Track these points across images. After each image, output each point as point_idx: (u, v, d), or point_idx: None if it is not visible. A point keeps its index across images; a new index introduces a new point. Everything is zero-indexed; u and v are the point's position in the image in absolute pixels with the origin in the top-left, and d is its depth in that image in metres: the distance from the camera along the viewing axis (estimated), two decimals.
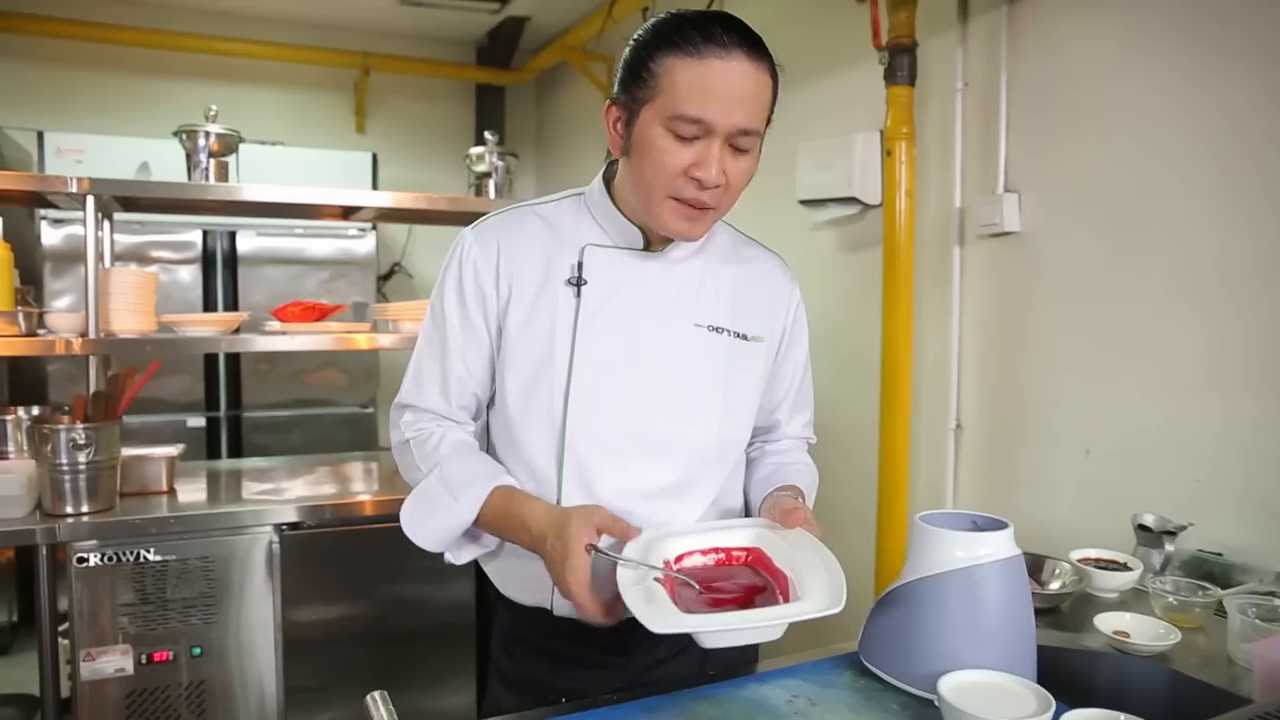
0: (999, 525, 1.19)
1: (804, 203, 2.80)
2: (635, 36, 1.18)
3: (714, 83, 1.10)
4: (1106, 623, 1.30)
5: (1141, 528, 1.68)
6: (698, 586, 1.10)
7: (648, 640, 1.20)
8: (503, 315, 1.24)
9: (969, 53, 2.35)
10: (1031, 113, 2.19)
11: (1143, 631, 1.28)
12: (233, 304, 3.88)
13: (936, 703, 1.06)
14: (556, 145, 5.12)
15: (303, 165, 4.00)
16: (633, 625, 1.01)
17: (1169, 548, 1.66)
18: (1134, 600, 1.50)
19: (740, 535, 1.20)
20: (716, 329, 1.27)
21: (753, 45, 1.13)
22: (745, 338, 1.30)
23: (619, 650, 1.26)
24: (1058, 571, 1.52)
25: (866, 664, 1.24)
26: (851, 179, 2.58)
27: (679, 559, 1.16)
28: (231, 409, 3.92)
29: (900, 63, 2.28)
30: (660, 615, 0.99)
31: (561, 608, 1.24)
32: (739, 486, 1.37)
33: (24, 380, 3.65)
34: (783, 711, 1.14)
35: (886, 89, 2.33)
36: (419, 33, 4.78)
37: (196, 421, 3.83)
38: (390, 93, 4.83)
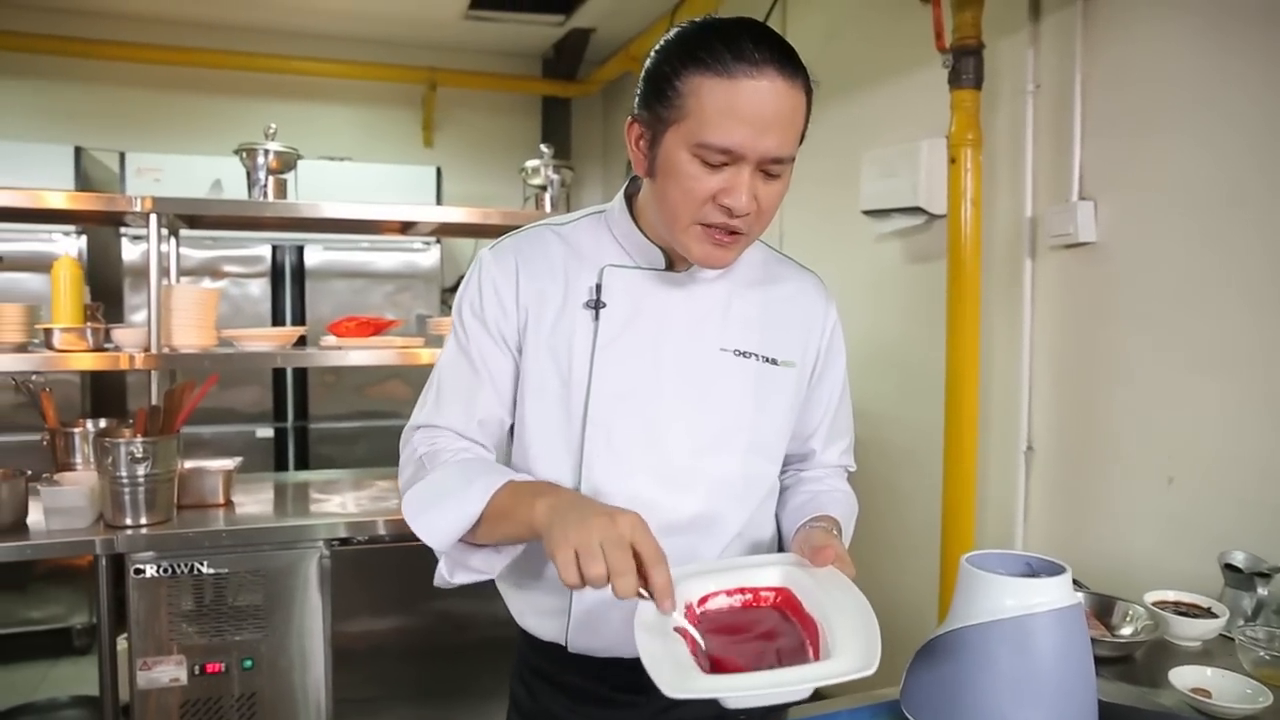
0: (1056, 569, 1.09)
1: (868, 213, 2.70)
2: (658, 47, 1.09)
3: (744, 107, 1.01)
4: (1184, 678, 1.17)
5: (1230, 567, 1.53)
6: (707, 644, 0.99)
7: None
8: (521, 337, 1.18)
9: (1041, 53, 2.22)
10: (1108, 115, 2.05)
11: (1227, 690, 1.15)
12: (300, 316, 3.95)
13: None
14: (623, 157, 5.09)
15: (368, 180, 4.06)
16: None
17: (1261, 591, 1.50)
18: (1218, 652, 1.36)
19: (769, 574, 1.11)
20: (744, 353, 1.20)
21: (786, 60, 1.03)
22: (775, 362, 1.21)
23: (637, 689, 1.17)
24: (1130, 615, 1.39)
25: (908, 715, 1.15)
26: (917, 188, 2.47)
27: (703, 600, 1.07)
28: (298, 420, 3.99)
29: (965, 65, 2.16)
30: (677, 677, 0.89)
31: (576, 644, 1.18)
32: (768, 518, 1.28)
33: (106, 390, 3.79)
34: None
35: (951, 93, 2.22)
36: (484, 47, 4.82)
37: (265, 432, 3.91)
38: (457, 107, 4.87)
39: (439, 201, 4.14)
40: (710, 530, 1.18)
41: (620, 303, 1.17)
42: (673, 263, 1.19)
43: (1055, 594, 1.05)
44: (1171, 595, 1.45)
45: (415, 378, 4.04)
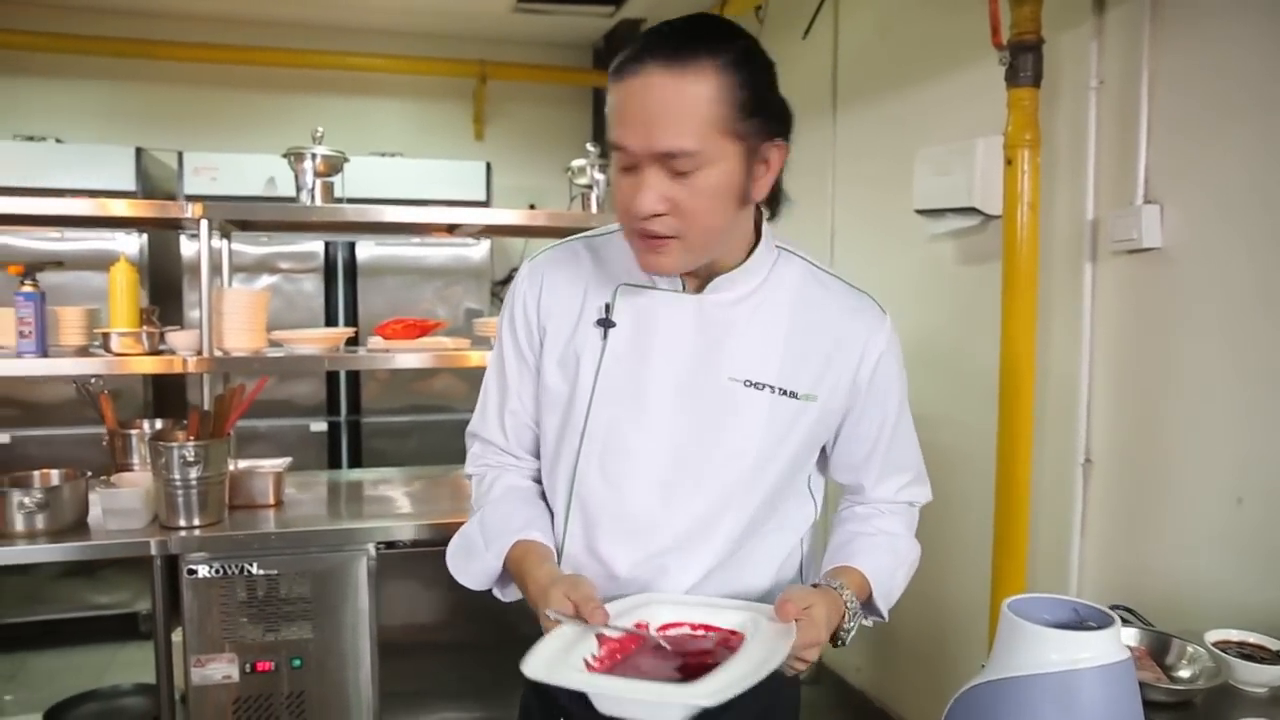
0: (1105, 619, 1.04)
1: (921, 212, 2.61)
2: None
3: (625, 105, 1.02)
4: None
5: None
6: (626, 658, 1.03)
7: None
8: (540, 351, 1.21)
9: (1105, 47, 2.11)
10: (1177, 114, 1.94)
11: None
12: (352, 311, 4.00)
13: None
14: None
15: (417, 176, 4.08)
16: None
17: None
18: None
19: (733, 617, 1.08)
20: (756, 384, 1.13)
21: (675, 53, 1.00)
22: (795, 395, 1.14)
23: None
24: (1190, 656, 1.32)
25: None
26: (972, 188, 2.38)
27: (665, 626, 1.07)
28: (351, 415, 4.05)
29: (1023, 62, 2.07)
30: (544, 663, 0.95)
31: None
32: (780, 547, 1.22)
33: (167, 385, 3.89)
34: None
35: (1008, 91, 2.12)
36: (534, 38, 4.79)
37: (319, 426, 3.97)
38: (507, 100, 4.86)
39: (488, 196, 4.14)
40: (693, 554, 1.15)
41: (628, 323, 1.16)
42: (687, 283, 1.16)
43: (1103, 648, 0.99)
44: (1236, 635, 1.37)
45: (466, 374, 4.08)
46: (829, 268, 1.25)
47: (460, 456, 4.04)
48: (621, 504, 1.15)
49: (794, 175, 3.63)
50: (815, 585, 1.15)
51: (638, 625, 1.06)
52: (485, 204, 4.13)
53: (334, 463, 4.03)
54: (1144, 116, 1.99)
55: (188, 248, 3.80)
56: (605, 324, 1.16)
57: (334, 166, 2.60)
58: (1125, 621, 1.51)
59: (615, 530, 1.16)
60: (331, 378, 4.00)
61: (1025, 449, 2.24)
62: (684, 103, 1.00)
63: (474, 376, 4.14)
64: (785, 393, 1.14)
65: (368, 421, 4.05)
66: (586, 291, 1.19)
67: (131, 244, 3.69)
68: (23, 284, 2.31)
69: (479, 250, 4.12)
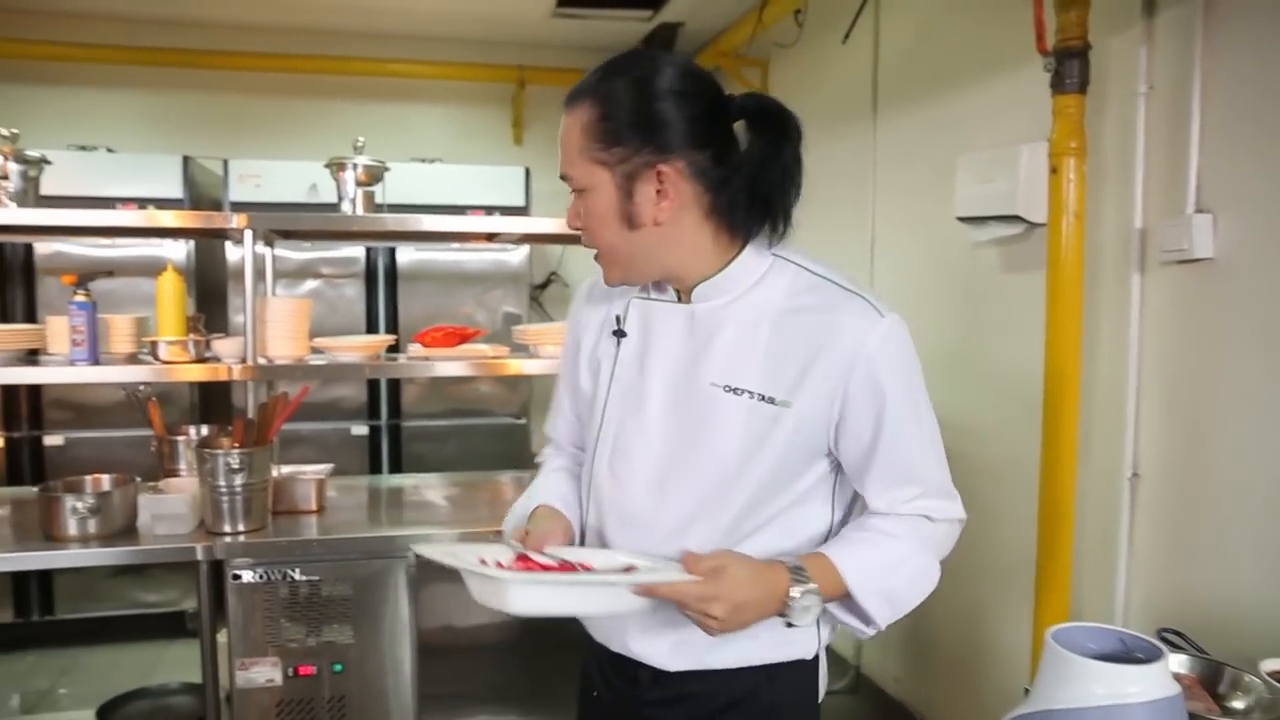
0: (1153, 652, 1.01)
1: (963, 219, 2.58)
2: None
3: (561, 137, 1.20)
4: None
5: None
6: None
7: (631, 672, 1.29)
8: (577, 362, 1.35)
9: (1155, 51, 2.06)
10: (1230, 120, 1.89)
11: None
12: (393, 316, 4.05)
13: None
14: None
15: (456, 182, 4.11)
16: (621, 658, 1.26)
17: None
18: None
19: (653, 566, 1.17)
20: (736, 390, 1.17)
21: (573, 91, 1.18)
22: (773, 401, 1.16)
23: (632, 680, 1.30)
24: (1244, 686, 1.29)
25: None
26: (1015, 195, 2.34)
27: (586, 567, 1.19)
28: (392, 418, 4.10)
29: (1069, 68, 2.02)
30: (438, 547, 1.21)
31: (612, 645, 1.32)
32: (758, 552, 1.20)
33: (213, 391, 3.97)
34: None
35: (1053, 98, 2.08)
36: (573, 43, 4.81)
37: (360, 430, 4.03)
38: (546, 104, 4.88)
39: (527, 201, 4.16)
40: (686, 539, 1.20)
41: (635, 333, 1.26)
42: (680, 293, 1.25)
43: (1152, 683, 0.97)
44: None
45: (504, 379, 4.10)
46: (830, 271, 1.23)
47: (497, 458, 4.18)
48: (622, 499, 1.25)
49: (833, 181, 3.67)
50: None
51: (563, 563, 1.17)
52: (524, 209, 4.15)
53: (374, 466, 4.08)
54: (1195, 122, 1.93)
55: (233, 253, 3.87)
56: (619, 334, 1.28)
57: (375, 176, 2.63)
58: (1174, 647, 1.47)
59: (618, 523, 1.26)
60: (373, 382, 4.05)
61: (1069, 461, 2.19)
62: (569, 134, 1.17)
63: (512, 382, 4.20)
64: (764, 398, 1.16)
65: (408, 425, 4.09)
66: (610, 305, 1.30)
67: (179, 250, 3.77)
68: (76, 293, 2.36)
69: (518, 255, 4.14)
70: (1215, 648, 1.60)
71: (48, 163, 2.50)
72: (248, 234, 2.39)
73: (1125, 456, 2.15)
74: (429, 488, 2.84)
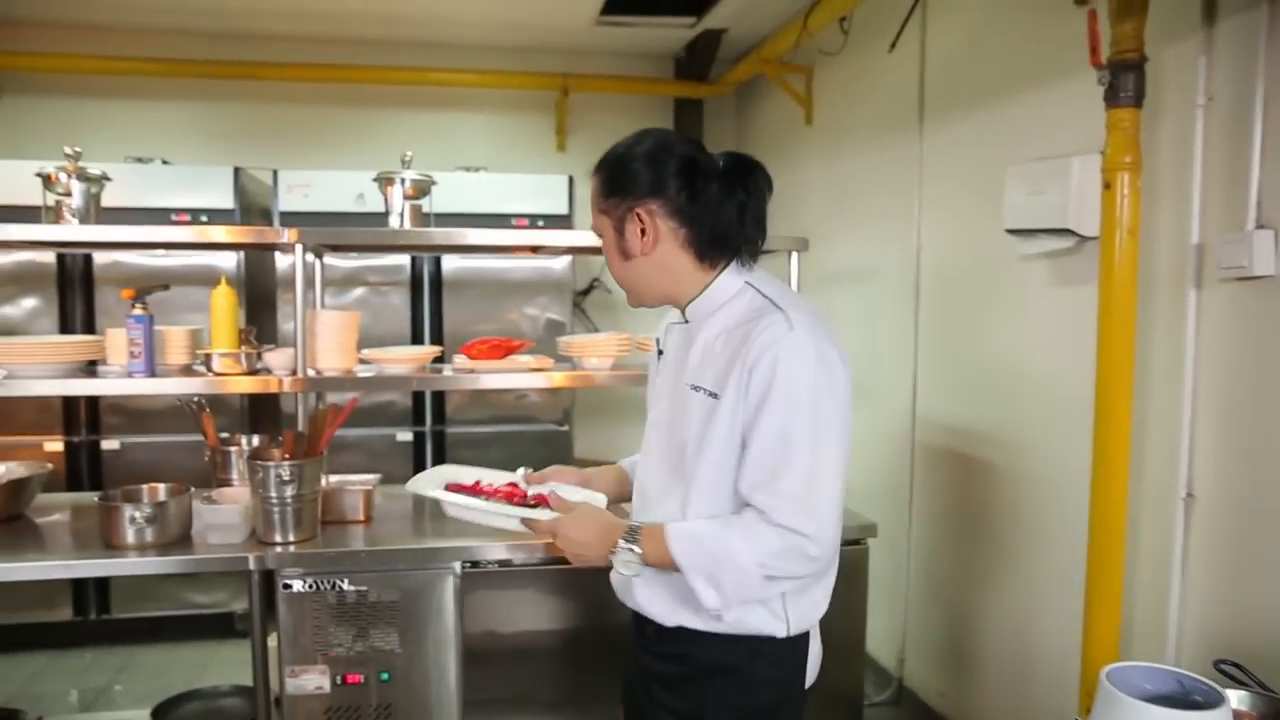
0: (1211, 696, 0.99)
1: (1012, 232, 2.54)
2: None
3: None
4: None
5: None
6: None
7: (637, 629, 1.64)
8: None
9: (1214, 62, 2.01)
10: None
11: None
12: (438, 323, 4.09)
13: None
14: (756, 156, 4.99)
15: (500, 191, 4.14)
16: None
17: None
18: None
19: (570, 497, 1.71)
20: (697, 388, 1.48)
21: (594, 169, 1.56)
22: (714, 395, 1.45)
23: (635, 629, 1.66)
24: None
25: None
26: (1067, 208, 2.30)
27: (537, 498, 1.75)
28: (436, 424, 4.15)
29: (1124, 81, 1.98)
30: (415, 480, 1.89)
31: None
32: (704, 512, 1.49)
33: (263, 399, 4.05)
34: None
35: (1107, 112, 2.03)
36: (616, 50, 4.82)
37: (404, 436, 4.08)
38: (589, 110, 4.90)
39: (571, 209, 4.18)
40: (664, 509, 1.54)
41: (666, 350, 1.63)
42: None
43: None
44: None
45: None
46: (780, 295, 1.49)
47: (541, 464, 4.29)
48: (641, 477, 1.65)
49: (878, 190, 3.66)
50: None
51: (537, 496, 1.75)
52: (568, 217, 4.17)
53: (419, 471, 4.12)
54: (1258, 135, 1.88)
55: (282, 261, 3.95)
56: (659, 352, 1.66)
57: (422, 190, 2.66)
58: (1233, 680, 1.44)
59: (640, 498, 1.65)
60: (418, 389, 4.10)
61: (1121, 480, 2.15)
62: (590, 197, 1.58)
63: (555, 390, 4.22)
64: (709, 393, 1.46)
65: (452, 431, 4.14)
66: (662, 331, 1.68)
67: (230, 259, 3.85)
68: (134, 307, 2.43)
69: (561, 263, 4.16)
70: (1276, 680, 1.56)
71: (108, 179, 2.58)
72: (298, 248, 2.43)
73: (1180, 476, 2.11)
74: None
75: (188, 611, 4.00)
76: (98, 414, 3.87)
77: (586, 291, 4.89)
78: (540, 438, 4.20)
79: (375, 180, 2.63)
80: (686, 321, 1.56)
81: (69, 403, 3.82)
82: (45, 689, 3.58)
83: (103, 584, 3.90)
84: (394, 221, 2.62)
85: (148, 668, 3.78)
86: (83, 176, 2.51)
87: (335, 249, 2.84)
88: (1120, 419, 2.13)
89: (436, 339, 4.08)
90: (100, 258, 3.77)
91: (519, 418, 4.20)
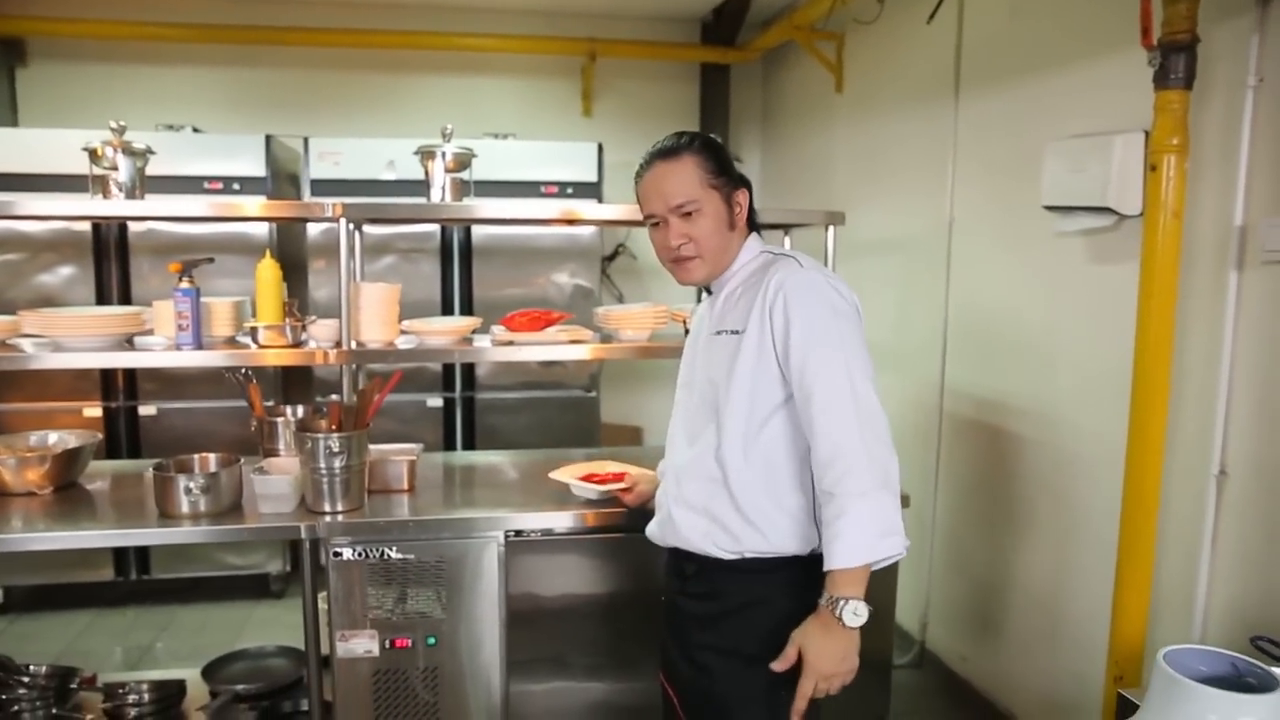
0: (1267, 680, 1.04)
1: (1050, 208, 2.55)
2: None
3: (648, 190, 1.75)
4: None
5: None
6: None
7: (676, 569, 1.84)
8: None
9: (1267, 41, 2.00)
10: None
11: None
12: (468, 291, 4.13)
13: None
14: (782, 124, 4.98)
15: (530, 158, 4.14)
16: (671, 558, 1.86)
17: None
18: None
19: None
20: (721, 331, 1.72)
21: (666, 150, 1.73)
22: (737, 332, 1.68)
23: (671, 572, 1.88)
24: None
25: None
26: (1107, 187, 2.31)
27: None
28: (466, 390, 4.20)
29: (1174, 63, 1.98)
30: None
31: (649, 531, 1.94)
32: (710, 444, 1.71)
33: (296, 369, 4.11)
34: None
35: (1155, 93, 2.04)
36: (643, 13, 4.78)
37: (435, 402, 4.14)
38: (616, 76, 4.88)
39: (600, 177, 4.18)
40: (698, 447, 1.74)
41: (693, 326, 1.91)
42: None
43: (1266, 713, 1.00)
44: None
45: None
46: (790, 251, 1.77)
47: (568, 429, 4.47)
48: (673, 425, 1.87)
49: (910, 165, 3.70)
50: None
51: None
52: (597, 185, 4.17)
53: (449, 437, 4.20)
54: None
55: (313, 229, 3.97)
56: (687, 331, 1.97)
57: (462, 163, 2.68)
58: (1271, 658, 1.49)
59: (671, 448, 1.86)
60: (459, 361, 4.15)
61: (1156, 458, 2.19)
62: (679, 172, 1.70)
63: (587, 359, 4.24)
64: (733, 332, 1.68)
65: (482, 398, 4.20)
66: (696, 318, 1.92)
67: (263, 227, 3.88)
68: (180, 280, 2.47)
69: (590, 230, 4.18)
70: None
71: (153, 153, 2.60)
72: (342, 222, 2.46)
73: (1213, 454, 2.14)
74: (517, 465, 2.93)
75: (225, 573, 4.10)
76: (135, 380, 3.93)
77: (612, 257, 4.91)
78: (568, 404, 4.25)
79: (416, 153, 2.65)
80: (710, 293, 1.81)
81: (107, 370, 3.89)
82: (91, 646, 3.69)
83: (144, 546, 3.99)
84: (435, 195, 2.64)
85: (188, 626, 3.89)
86: (128, 151, 2.54)
87: (377, 221, 2.87)
88: (1158, 397, 2.17)
89: (466, 306, 4.12)
90: (135, 226, 3.81)
91: (548, 384, 4.25)
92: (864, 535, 1.52)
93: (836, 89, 4.15)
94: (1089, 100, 2.53)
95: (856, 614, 1.52)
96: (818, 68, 4.18)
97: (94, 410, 3.89)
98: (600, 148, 4.19)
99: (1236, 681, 1.07)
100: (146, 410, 3.93)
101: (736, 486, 1.66)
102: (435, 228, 4.07)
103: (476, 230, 4.11)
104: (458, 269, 4.14)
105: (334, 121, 4.54)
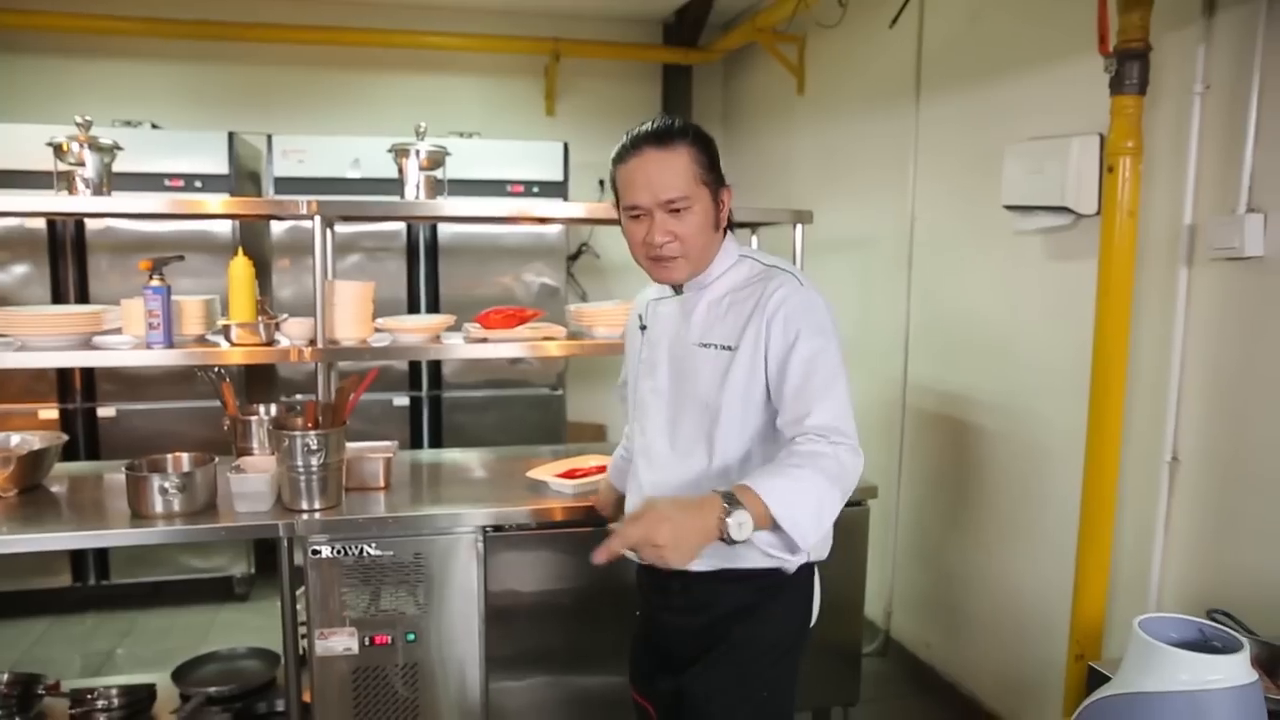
0: (1231, 642, 1.12)
1: (1010, 208, 2.65)
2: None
3: (634, 178, 1.59)
4: None
5: None
6: None
7: (660, 587, 1.74)
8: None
9: (1213, 51, 2.11)
10: None
11: None
12: (434, 290, 4.12)
13: None
14: (744, 124, 5.05)
15: (498, 158, 4.15)
16: (653, 575, 1.72)
17: None
18: None
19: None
20: (707, 345, 1.64)
21: (660, 136, 1.58)
22: (729, 348, 1.61)
23: (652, 589, 1.79)
24: None
25: None
26: (1064, 187, 2.41)
27: None
28: (433, 389, 4.20)
29: (1129, 69, 2.08)
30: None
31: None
32: (733, 461, 1.65)
33: (257, 371, 4.06)
34: None
35: (1111, 98, 2.14)
36: (606, 14, 4.82)
37: (401, 401, 4.13)
38: (578, 75, 4.91)
39: (566, 176, 4.21)
40: (672, 463, 1.69)
41: (652, 324, 1.78)
42: (678, 289, 1.72)
43: (1233, 671, 1.08)
44: None
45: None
46: (779, 262, 1.69)
47: (534, 427, 4.46)
48: (648, 438, 1.74)
49: (871, 165, 3.83)
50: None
51: None
52: (563, 184, 4.20)
53: (415, 436, 4.19)
54: (1252, 123, 2.00)
55: (277, 227, 3.94)
56: (643, 327, 1.80)
57: (436, 161, 2.69)
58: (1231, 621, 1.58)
59: (645, 461, 1.76)
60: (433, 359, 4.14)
61: (1114, 446, 2.29)
62: (674, 164, 1.58)
63: (550, 356, 4.27)
64: (724, 347, 1.62)
65: (448, 396, 4.20)
66: (641, 304, 1.85)
67: (225, 225, 3.83)
68: (151, 278, 2.44)
69: (556, 229, 4.20)
70: (1259, 630, 1.71)
71: (120, 149, 2.57)
72: (317, 220, 2.46)
73: (1165, 441, 2.25)
74: (482, 464, 2.94)
75: (188, 576, 4.04)
76: (93, 381, 3.85)
77: (576, 256, 4.94)
78: (534, 401, 4.27)
79: (390, 151, 2.66)
80: (680, 294, 1.72)
81: (64, 370, 3.80)
82: (49, 654, 3.61)
83: (102, 550, 3.91)
84: (410, 192, 2.65)
85: (151, 632, 3.82)
86: (95, 146, 2.50)
87: (350, 219, 2.86)
88: (1115, 388, 2.27)
89: (433, 305, 4.11)
90: (93, 224, 3.73)
91: (514, 383, 4.26)
92: (806, 507, 1.43)
93: (798, 90, 4.24)
94: (1045, 104, 2.64)
95: (741, 527, 1.38)
96: (779, 69, 4.26)
97: (50, 412, 3.81)
98: (566, 147, 4.22)
99: (1204, 645, 1.15)
100: (105, 412, 3.86)
101: None
102: (401, 226, 4.06)
103: (443, 229, 4.11)
104: (424, 268, 4.14)
105: (295, 119, 4.50)
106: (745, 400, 1.61)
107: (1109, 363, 2.25)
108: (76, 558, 3.89)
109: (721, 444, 1.63)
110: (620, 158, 1.61)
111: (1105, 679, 1.26)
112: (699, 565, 1.59)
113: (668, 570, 1.52)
